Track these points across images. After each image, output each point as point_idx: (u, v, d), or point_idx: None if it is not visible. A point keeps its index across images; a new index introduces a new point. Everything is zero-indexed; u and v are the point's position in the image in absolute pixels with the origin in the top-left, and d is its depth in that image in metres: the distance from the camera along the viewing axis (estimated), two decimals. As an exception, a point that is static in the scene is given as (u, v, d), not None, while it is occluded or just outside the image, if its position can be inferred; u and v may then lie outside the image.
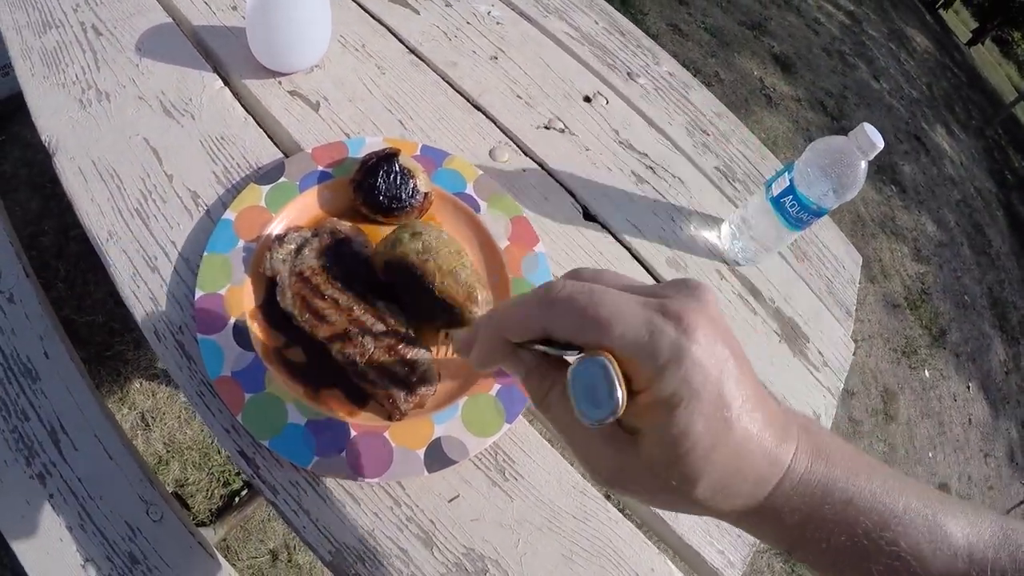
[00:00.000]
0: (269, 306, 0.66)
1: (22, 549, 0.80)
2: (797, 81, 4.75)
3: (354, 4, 1.04)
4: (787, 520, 0.35)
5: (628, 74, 1.16)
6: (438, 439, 0.63)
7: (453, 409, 0.64)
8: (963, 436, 3.43)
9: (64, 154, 0.77)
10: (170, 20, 0.92)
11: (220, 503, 1.59)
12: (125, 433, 0.91)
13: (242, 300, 0.66)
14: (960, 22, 11.66)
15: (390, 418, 0.62)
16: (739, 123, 1.22)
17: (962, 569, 0.34)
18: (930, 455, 3.11)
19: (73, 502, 0.83)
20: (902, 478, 0.36)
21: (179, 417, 1.66)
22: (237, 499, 1.59)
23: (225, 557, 1.51)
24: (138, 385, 1.67)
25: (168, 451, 1.62)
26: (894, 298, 3.77)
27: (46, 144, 0.78)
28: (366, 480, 0.60)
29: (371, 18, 1.03)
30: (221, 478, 1.61)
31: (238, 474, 1.61)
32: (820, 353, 0.92)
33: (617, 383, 0.31)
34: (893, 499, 0.35)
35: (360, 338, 0.62)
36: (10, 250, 1.02)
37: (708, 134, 1.14)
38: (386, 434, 0.62)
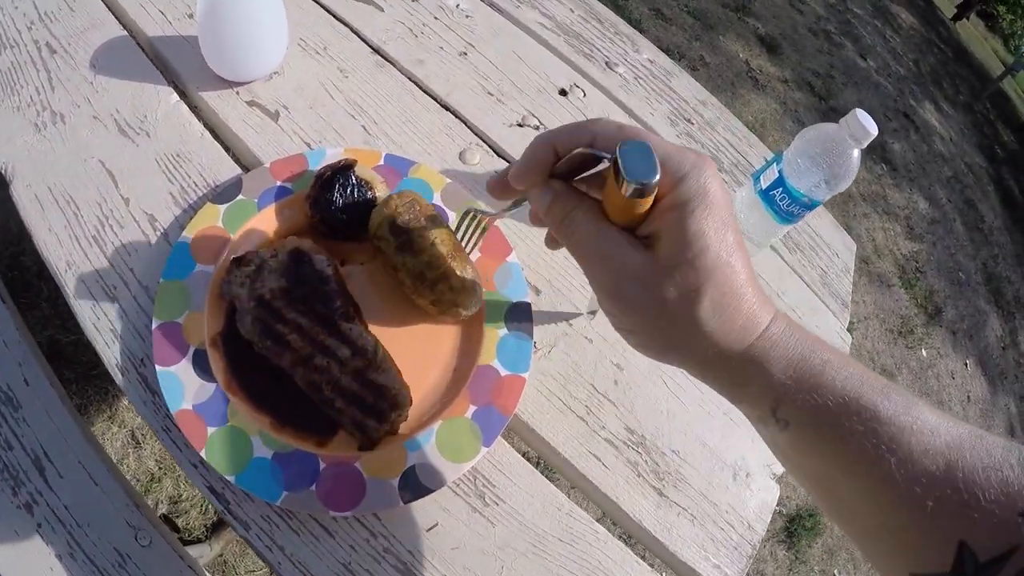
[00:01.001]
0: (229, 333, 0.63)
1: (12, 581, 0.79)
2: (783, 62, 4.71)
3: (314, 4, 1.00)
4: (773, 367, 0.39)
5: (606, 64, 1.12)
6: (412, 467, 0.59)
7: (427, 435, 0.61)
8: (962, 413, 3.41)
9: (20, 181, 0.74)
10: (125, 33, 0.88)
11: (215, 518, 1.57)
12: (110, 457, 0.89)
13: (202, 327, 0.63)
14: (944, -4, 11.62)
15: (361, 447, 0.59)
16: (724, 109, 1.18)
17: (941, 450, 0.35)
18: (930, 434, 3.10)
19: (61, 531, 0.81)
20: (878, 375, 0.39)
21: (169, 434, 1.63)
22: (231, 515, 1.56)
23: (222, 573, 1.50)
24: (126, 403, 1.64)
25: (160, 468, 1.59)
26: (888, 278, 3.75)
27: (2, 171, 0.75)
28: (339, 514, 0.57)
29: (333, 18, 0.99)
30: (214, 494, 1.58)
31: (230, 490, 1.58)
32: (817, 348, 0.89)
33: (655, 157, 0.37)
34: (870, 379, 0.38)
35: (325, 363, 0.58)
36: (-16, 277, 0.99)
37: (692, 123, 1.11)
38: (357, 464, 0.59)
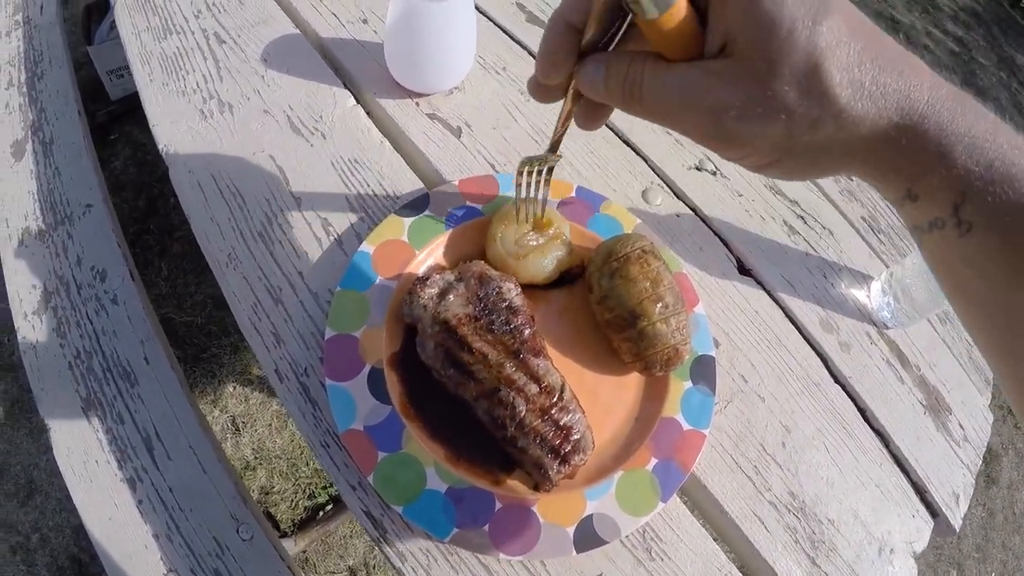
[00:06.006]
0: (406, 355, 0.60)
1: (105, 550, 0.79)
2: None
3: (491, 24, 0.97)
4: (955, 149, 0.31)
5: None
6: (589, 516, 0.56)
7: (607, 484, 0.57)
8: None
9: (182, 166, 0.74)
10: (297, 31, 0.89)
11: (304, 515, 1.57)
12: (221, 447, 0.89)
13: (380, 345, 0.61)
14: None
15: (536, 488, 0.56)
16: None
17: None
18: (1030, 525, 2.87)
19: (162, 511, 0.82)
20: None
21: (270, 425, 1.65)
22: (321, 513, 1.56)
23: (303, 571, 1.49)
24: (231, 389, 1.67)
25: (256, 458, 1.61)
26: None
27: (163, 153, 0.75)
28: (509, 558, 0.54)
29: (510, 39, 0.96)
30: (307, 490, 1.59)
31: (324, 488, 1.59)
32: (961, 426, 0.81)
33: None
34: None
35: (511, 399, 0.55)
36: (117, 252, 1.01)
37: (852, 179, 1.04)
38: (534, 508, 0.56)
